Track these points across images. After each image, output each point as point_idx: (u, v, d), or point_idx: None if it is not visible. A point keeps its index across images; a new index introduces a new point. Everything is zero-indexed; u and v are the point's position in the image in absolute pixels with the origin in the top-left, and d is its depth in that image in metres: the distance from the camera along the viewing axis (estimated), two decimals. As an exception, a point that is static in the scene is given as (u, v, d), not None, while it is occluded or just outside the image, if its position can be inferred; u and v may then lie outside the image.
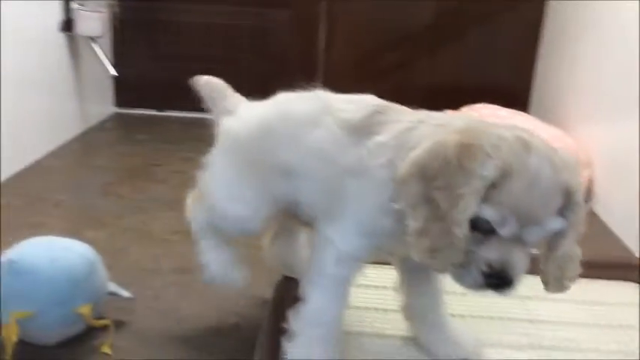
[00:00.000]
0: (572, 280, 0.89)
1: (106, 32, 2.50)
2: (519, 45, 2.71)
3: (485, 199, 0.77)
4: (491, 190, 0.77)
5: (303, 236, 1.26)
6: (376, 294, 1.27)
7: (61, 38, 2.27)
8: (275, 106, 1.07)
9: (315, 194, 0.98)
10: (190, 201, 1.19)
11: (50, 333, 1.08)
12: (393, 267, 1.10)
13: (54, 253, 1.09)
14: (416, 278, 1.07)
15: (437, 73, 2.75)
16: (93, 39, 2.37)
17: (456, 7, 2.70)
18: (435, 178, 0.79)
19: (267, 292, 1.21)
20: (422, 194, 0.80)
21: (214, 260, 1.17)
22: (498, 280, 0.79)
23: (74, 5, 2.27)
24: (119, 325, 1.17)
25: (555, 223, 0.80)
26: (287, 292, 1.19)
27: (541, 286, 1.32)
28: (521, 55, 2.71)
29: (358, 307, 1.22)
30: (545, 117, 2.24)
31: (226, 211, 1.10)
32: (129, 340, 1.15)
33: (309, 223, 1.07)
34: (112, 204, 1.78)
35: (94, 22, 2.31)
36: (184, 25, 2.81)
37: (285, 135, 1.01)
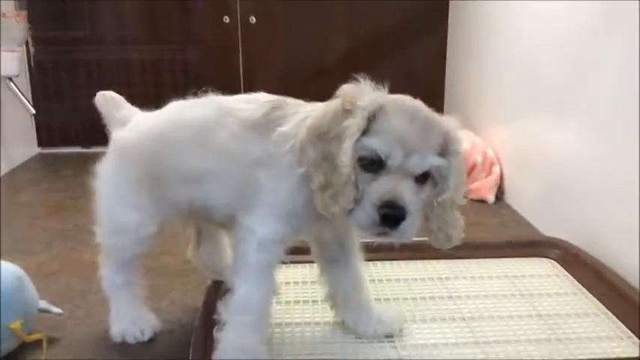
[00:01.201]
0: (457, 231, 0.97)
1: (22, 71, 2.49)
2: (430, 63, 2.85)
3: (370, 132, 0.87)
4: (373, 124, 0.87)
5: (225, 239, 1.29)
6: (303, 289, 1.34)
7: (-24, 80, 2.27)
8: (169, 114, 1.10)
9: (228, 194, 1.02)
10: (100, 259, 1.19)
11: (-19, 351, 1.07)
12: (314, 261, 1.17)
13: (-20, 270, 1.10)
14: (334, 265, 1.13)
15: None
16: (10, 79, 2.36)
17: (369, 37, 2.84)
18: (328, 132, 0.88)
19: (200, 300, 1.23)
20: (320, 153, 0.89)
21: (124, 316, 1.19)
22: (390, 209, 0.85)
23: (-11, 46, 2.27)
24: (52, 340, 1.17)
25: (436, 160, 0.89)
26: (217, 294, 1.23)
27: (459, 267, 1.43)
28: (433, 72, 2.85)
29: (288, 302, 1.28)
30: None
31: (121, 220, 1.12)
32: (62, 355, 1.15)
33: (224, 225, 1.12)
34: (40, 235, 1.77)
35: (10, 61, 2.30)
36: (103, 64, 2.83)
37: (184, 141, 1.04)
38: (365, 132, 0.87)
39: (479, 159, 2.07)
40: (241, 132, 1.00)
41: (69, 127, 2.85)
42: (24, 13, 2.36)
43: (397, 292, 1.32)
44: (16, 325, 1.09)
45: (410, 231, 0.87)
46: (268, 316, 1.04)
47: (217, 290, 1.23)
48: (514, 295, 1.30)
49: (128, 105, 1.20)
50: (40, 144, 2.87)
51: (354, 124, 0.87)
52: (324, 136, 0.89)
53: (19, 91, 2.42)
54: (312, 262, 1.20)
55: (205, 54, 2.85)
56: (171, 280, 1.47)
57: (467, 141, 2.09)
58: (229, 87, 1.15)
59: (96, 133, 2.71)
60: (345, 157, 0.86)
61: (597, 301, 1.26)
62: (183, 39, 2.86)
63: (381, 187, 0.86)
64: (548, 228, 1.71)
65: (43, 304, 1.20)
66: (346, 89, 0.91)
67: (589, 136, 1.51)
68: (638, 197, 1.27)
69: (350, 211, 0.88)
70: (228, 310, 1.00)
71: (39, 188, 2.30)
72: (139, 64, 2.85)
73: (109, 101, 1.19)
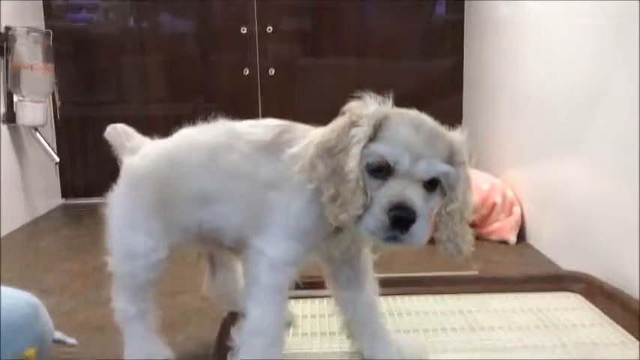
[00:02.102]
0: (466, 243, 0.96)
1: (47, 121, 2.56)
2: (447, 109, 2.88)
3: (377, 139, 0.88)
4: (380, 132, 0.88)
5: (239, 268, 1.28)
6: (320, 321, 1.32)
7: (4, 130, 2.33)
8: (181, 139, 1.12)
9: (238, 216, 1.02)
10: (112, 291, 1.18)
11: (-5, 378, 1.06)
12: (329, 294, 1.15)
13: (-4, 298, 1.10)
14: (348, 291, 1.11)
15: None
16: (36, 128, 2.43)
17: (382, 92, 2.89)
18: (336, 146, 0.89)
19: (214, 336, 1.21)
20: (329, 167, 0.89)
21: (138, 349, 1.17)
22: (400, 211, 0.84)
23: (16, 97, 2.34)
24: (66, 372, 1.16)
25: (444, 167, 0.89)
26: (232, 325, 1.21)
27: (481, 301, 1.40)
28: (450, 117, 2.86)
29: (305, 334, 1.26)
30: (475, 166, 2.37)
31: (132, 245, 1.12)
32: (77, 386, 1.13)
33: (233, 249, 1.11)
34: (59, 276, 1.77)
35: (36, 111, 2.37)
36: (127, 119, 2.87)
37: (195, 164, 1.05)
38: (372, 140, 0.88)
39: (499, 199, 2.05)
40: (251, 154, 1.01)
41: (92, 179, 2.89)
42: (51, 65, 2.44)
43: (417, 325, 1.29)
44: (30, 353, 1.08)
45: (420, 235, 0.86)
46: (282, 338, 1.02)
47: (233, 321, 1.21)
48: (538, 327, 1.26)
49: (139, 136, 1.22)
50: (64, 195, 2.91)
51: (360, 131, 0.88)
52: (332, 151, 0.90)
53: (45, 140, 2.48)
54: (329, 296, 1.18)
55: (225, 106, 2.91)
56: (188, 317, 1.45)
57: (486, 182, 2.09)
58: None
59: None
60: (353, 162, 0.87)
61: (625, 331, 1.22)
62: (204, 94, 2.92)
63: (389, 191, 0.86)
64: (570, 266, 1.67)
65: (59, 335, 1.19)
66: (351, 105, 0.92)
67: (603, 171, 1.51)
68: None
69: (359, 218, 0.87)
70: (241, 334, 0.98)
71: (60, 235, 2.32)
72: (161, 120, 2.91)
73: (120, 133, 1.21)
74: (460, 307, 1.38)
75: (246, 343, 0.98)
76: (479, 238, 2.04)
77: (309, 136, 0.98)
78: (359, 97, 0.93)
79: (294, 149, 0.98)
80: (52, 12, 2.77)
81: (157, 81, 2.91)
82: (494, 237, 2.03)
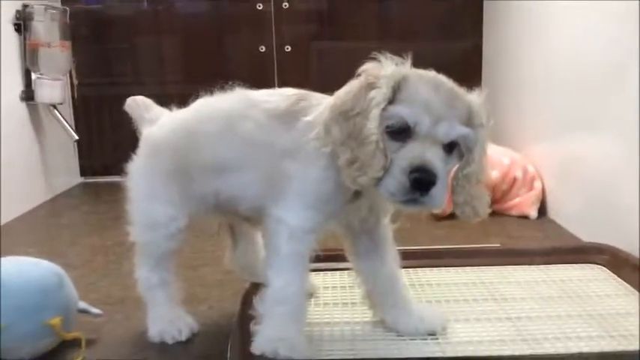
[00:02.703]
0: (483, 206, 0.95)
1: (66, 99, 2.57)
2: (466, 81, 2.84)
3: (396, 101, 0.87)
4: (399, 93, 0.87)
5: (260, 240, 1.27)
6: (342, 293, 1.31)
7: (22, 109, 2.34)
8: (198, 108, 1.12)
9: (255, 184, 1.03)
10: (135, 260, 1.20)
11: (22, 346, 1.06)
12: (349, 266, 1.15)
13: (22, 267, 1.11)
14: (368, 262, 1.11)
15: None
16: (54, 106, 2.44)
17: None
18: (352, 109, 0.88)
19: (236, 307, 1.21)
20: (345, 131, 0.88)
21: (161, 317, 1.19)
22: (420, 173, 0.84)
23: (34, 75, 2.35)
24: (90, 341, 1.17)
25: (463, 129, 0.88)
26: (254, 295, 1.21)
27: (503, 273, 1.38)
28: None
29: (327, 304, 1.26)
30: (494, 140, 2.35)
31: (152, 215, 1.13)
32: (100, 354, 1.14)
33: (249, 218, 1.12)
34: (81, 251, 1.79)
35: (54, 89, 2.38)
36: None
37: (212, 133, 1.06)
38: (390, 102, 0.87)
39: (519, 174, 2.03)
40: (267, 122, 1.01)
41: (110, 159, 2.90)
42: (68, 43, 2.44)
43: (439, 296, 1.28)
44: (55, 321, 1.09)
45: (439, 197, 0.86)
46: (305, 306, 1.02)
47: (255, 291, 1.21)
48: (562, 297, 1.25)
49: (158, 107, 1.23)
50: (83, 174, 2.92)
51: (379, 93, 0.87)
52: (348, 114, 0.89)
53: (63, 118, 2.48)
54: (350, 269, 1.17)
55: (242, 84, 2.89)
56: (210, 289, 1.46)
57: (506, 157, 2.07)
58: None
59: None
60: (373, 125, 0.86)
61: (650, 301, 1.21)
62: (220, 73, 2.91)
63: (410, 153, 0.86)
64: (593, 239, 1.65)
65: (83, 304, 1.21)
66: (368, 66, 0.91)
67: (624, 145, 1.50)
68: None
69: (378, 181, 0.87)
70: (264, 304, 0.99)
71: (80, 211, 2.34)
72: (177, 100, 2.90)
73: (139, 104, 1.22)
74: (482, 279, 1.37)
75: (269, 312, 0.98)
76: (499, 213, 2.03)
77: (323, 104, 0.98)
78: (375, 59, 0.92)
79: (309, 117, 0.97)
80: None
81: (173, 61, 2.90)
82: (514, 212, 2.01)
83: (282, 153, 0.98)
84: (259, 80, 2.80)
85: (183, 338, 1.17)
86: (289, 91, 1.05)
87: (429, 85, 0.88)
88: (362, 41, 2.84)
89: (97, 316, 1.22)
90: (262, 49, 2.84)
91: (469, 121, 0.90)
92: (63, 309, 1.12)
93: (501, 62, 2.58)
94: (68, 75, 2.67)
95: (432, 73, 0.92)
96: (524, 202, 2.01)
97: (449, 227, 1.88)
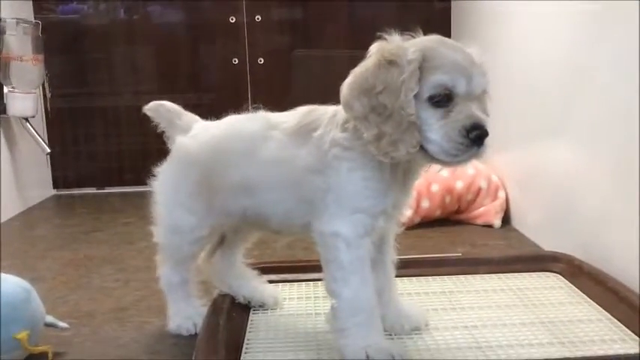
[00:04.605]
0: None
1: (37, 113, 2.57)
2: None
3: (428, 73, 0.93)
4: (426, 64, 0.93)
5: (240, 253, 1.32)
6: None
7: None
8: (227, 126, 1.18)
9: (286, 202, 1.08)
10: (157, 259, 1.27)
11: (-12, 360, 1.09)
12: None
13: (-11, 282, 1.12)
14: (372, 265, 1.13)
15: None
16: (26, 119, 2.44)
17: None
18: (374, 86, 0.93)
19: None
20: (367, 106, 0.94)
21: (180, 312, 1.26)
22: (480, 130, 0.92)
23: (6, 89, 2.35)
24: (57, 355, 1.19)
25: (486, 79, 0.98)
26: (221, 308, 1.25)
27: (463, 282, 1.42)
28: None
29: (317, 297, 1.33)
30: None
31: (177, 221, 1.19)
32: (68, 368, 1.16)
33: (280, 231, 1.18)
34: (51, 264, 1.80)
35: (26, 102, 2.39)
36: (118, 110, 2.90)
37: (237, 153, 1.12)
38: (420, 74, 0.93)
39: (484, 184, 2.08)
40: (285, 140, 1.07)
41: (83, 171, 2.91)
42: (40, 56, 2.46)
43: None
44: (22, 335, 1.11)
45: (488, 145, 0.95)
46: (377, 307, 1.05)
47: (224, 303, 1.26)
48: (517, 306, 1.30)
49: (188, 113, 1.27)
50: (56, 186, 2.92)
51: (410, 76, 0.92)
52: (370, 91, 0.93)
53: (35, 130, 2.49)
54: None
55: (215, 95, 2.92)
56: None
57: (471, 168, 2.11)
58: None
59: (110, 174, 2.84)
60: (410, 108, 0.91)
61: (601, 308, 1.26)
62: (194, 84, 2.93)
63: (460, 115, 0.92)
64: (553, 248, 1.70)
65: (50, 318, 1.22)
66: (379, 45, 0.96)
67: (586, 155, 1.53)
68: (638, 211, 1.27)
69: (421, 149, 0.93)
70: (339, 318, 1.01)
71: (52, 224, 2.35)
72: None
73: (170, 110, 1.27)
74: (443, 288, 1.41)
75: (347, 325, 1.01)
76: (465, 222, 2.09)
77: (328, 112, 1.05)
78: (381, 37, 0.97)
79: (319, 131, 1.04)
80: (43, 4, 2.77)
81: (148, 72, 2.92)
82: (479, 221, 2.06)
83: (305, 168, 1.04)
84: (233, 92, 2.88)
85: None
86: (299, 109, 1.11)
87: (449, 48, 0.96)
88: (335, 49, 2.88)
89: (63, 329, 1.24)
90: (235, 61, 2.88)
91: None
92: (30, 323, 1.14)
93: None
94: (41, 87, 2.67)
95: (437, 37, 0.99)
96: (488, 212, 2.06)
97: (416, 237, 1.93)
